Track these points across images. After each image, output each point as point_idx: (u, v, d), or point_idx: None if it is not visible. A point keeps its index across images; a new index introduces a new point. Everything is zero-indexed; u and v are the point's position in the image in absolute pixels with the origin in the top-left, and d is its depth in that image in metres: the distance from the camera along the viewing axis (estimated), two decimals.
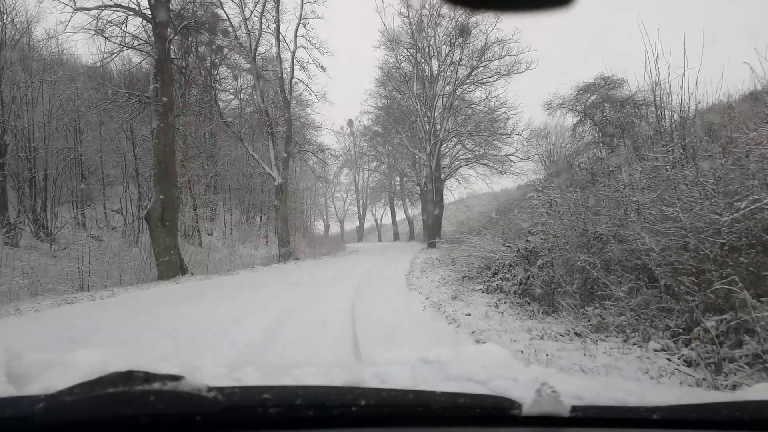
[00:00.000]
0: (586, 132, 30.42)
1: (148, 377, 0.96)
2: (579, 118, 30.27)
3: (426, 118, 28.31)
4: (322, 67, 22.16)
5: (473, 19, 27.34)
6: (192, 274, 13.41)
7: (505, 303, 6.86)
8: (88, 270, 10.96)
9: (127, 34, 11.79)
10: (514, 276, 7.49)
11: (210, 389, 0.98)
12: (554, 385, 1.12)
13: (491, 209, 40.78)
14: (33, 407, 0.93)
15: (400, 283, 11.32)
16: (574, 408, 1.10)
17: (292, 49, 21.75)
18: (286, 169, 22.08)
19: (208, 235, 23.44)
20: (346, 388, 1.19)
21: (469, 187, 38.79)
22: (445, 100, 29.01)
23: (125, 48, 11.91)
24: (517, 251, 7.75)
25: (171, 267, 12.54)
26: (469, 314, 6.10)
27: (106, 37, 11.39)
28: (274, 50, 22.02)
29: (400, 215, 48.32)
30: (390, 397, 1.11)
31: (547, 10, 1.10)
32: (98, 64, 12.05)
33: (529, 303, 6.80)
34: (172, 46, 12.36)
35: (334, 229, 52.72)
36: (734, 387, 3.11)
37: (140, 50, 12.00)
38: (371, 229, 55.89)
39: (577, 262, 5.82)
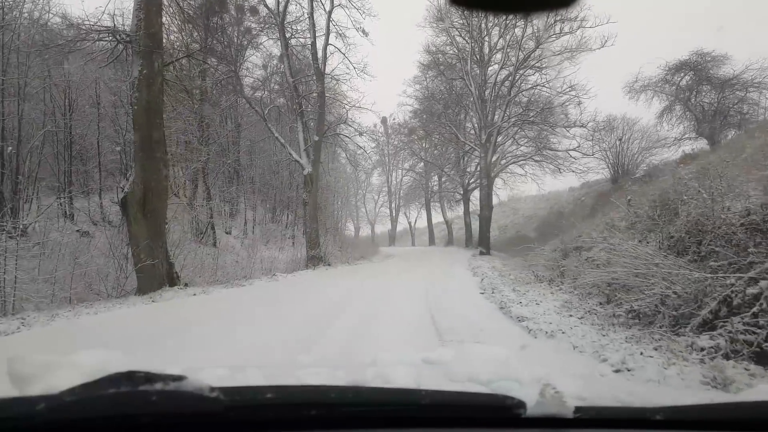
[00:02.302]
0: (676, 120, 25.55)
1: (150, 377, 0.93)
2: (668, 102, 25.46)
3: (480, 102, 24.11)
4: (363, 31, 18.26)
5: None
6: (186, 284, 9.62)
7: None
8: (14, 281, 7.26)
9: None
10: None
11: (212, 389, 0.95)
12: (557, 386, 1.13)
13: (546, 211, 36.37)
14: (35, 407, 0.91)
15: (492, 313, 7.27)
16: (578, 409, 1.10)
17: (327, 8, 17.91)
18: (317, 156, 18.29)
19: (226, 233, 19.89)
20: (349, 387, 1.21)
21: (517, 187, 34.49)
22: (498, 86, 24.92)
23: None
24: None
25: (154, 275, 8.76)
26: None
27: None
28: (305, 14, 18.29)
29: (435, 218, 44.28)
30: (393, 395, 1.12)
31: (552, 8, 1.06)
32: None
33: None
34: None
35: (364, 232, 49.22)
36: None
37: None
38: (403, 232, 52.34)
39: None
